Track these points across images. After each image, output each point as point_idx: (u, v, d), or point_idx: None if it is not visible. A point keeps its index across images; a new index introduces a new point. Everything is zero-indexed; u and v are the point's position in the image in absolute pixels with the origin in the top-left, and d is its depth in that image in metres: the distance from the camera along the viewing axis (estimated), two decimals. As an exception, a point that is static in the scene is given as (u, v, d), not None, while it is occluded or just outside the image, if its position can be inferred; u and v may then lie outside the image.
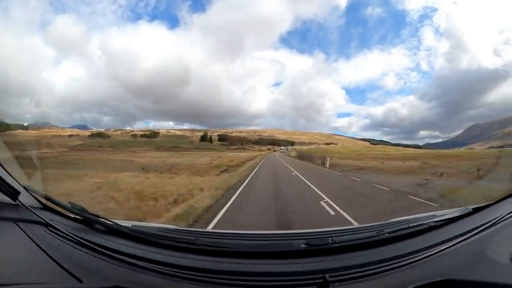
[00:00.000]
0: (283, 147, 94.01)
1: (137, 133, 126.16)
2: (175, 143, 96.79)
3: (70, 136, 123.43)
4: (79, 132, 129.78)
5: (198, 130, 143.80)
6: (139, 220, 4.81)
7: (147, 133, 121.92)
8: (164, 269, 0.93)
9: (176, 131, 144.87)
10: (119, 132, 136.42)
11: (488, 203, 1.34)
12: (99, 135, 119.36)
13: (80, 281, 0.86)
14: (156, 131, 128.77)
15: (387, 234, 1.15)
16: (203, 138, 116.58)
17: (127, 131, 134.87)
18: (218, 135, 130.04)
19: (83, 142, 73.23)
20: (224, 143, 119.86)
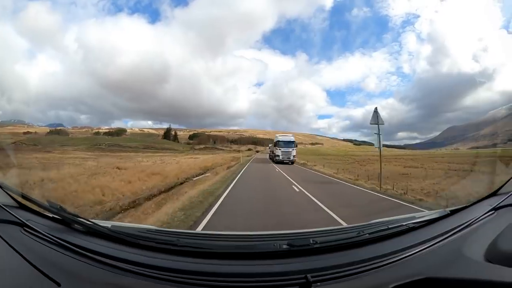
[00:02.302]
0: (286, 145, 32.30)
1: (100, 131, 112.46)
2: (132, 141, 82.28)
3: (25, 133, 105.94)
4: (37, 129, 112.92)
5: (176, 129, 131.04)
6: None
7: (111, 131, 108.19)
8: (145, 271, 0.90)
9: (150, 130, 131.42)
10: (84, 130, 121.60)
11: (465, 205, 1.37)
12: (57, 132, 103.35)
13: (58, 284, 0.81)
14: (122, 129, 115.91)
15: (367, 235, 1.16)
16: (166, 135, 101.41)
17: (94, 128, 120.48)
18: (194, 133, 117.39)
19: (20, 139, 58.28)
20: (192, 141, 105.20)
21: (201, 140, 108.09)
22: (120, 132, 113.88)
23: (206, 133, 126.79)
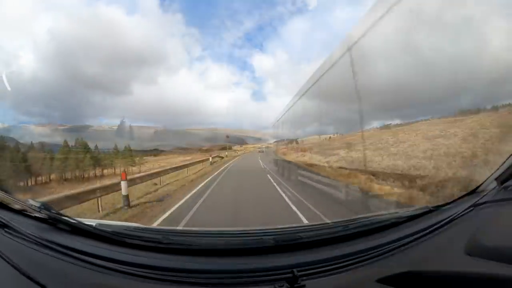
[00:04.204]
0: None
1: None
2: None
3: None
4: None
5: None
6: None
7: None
8: (131, 270, 0.90)
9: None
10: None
11: (446, 202, 1.43)
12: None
13: (44, 287, 0.80)
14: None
15: (352, 229, 1.20)
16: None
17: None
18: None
19: None
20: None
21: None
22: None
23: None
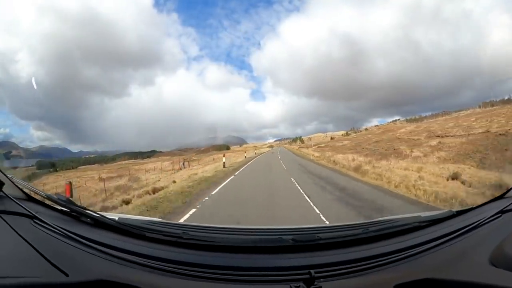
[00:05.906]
0: None
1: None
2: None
3: None
4: None
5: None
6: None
7: None
8: (150, 263, 0.93)
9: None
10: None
11: (471, 206, 1.38)
12: None
13: (66, 275, 0.83)
14: None
15: (372, 232, 1.17)
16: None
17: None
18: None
19: None
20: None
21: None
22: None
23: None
